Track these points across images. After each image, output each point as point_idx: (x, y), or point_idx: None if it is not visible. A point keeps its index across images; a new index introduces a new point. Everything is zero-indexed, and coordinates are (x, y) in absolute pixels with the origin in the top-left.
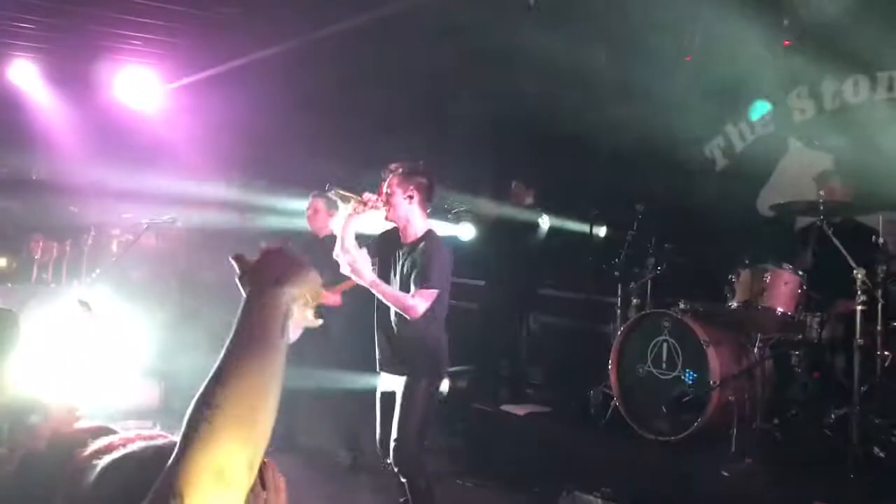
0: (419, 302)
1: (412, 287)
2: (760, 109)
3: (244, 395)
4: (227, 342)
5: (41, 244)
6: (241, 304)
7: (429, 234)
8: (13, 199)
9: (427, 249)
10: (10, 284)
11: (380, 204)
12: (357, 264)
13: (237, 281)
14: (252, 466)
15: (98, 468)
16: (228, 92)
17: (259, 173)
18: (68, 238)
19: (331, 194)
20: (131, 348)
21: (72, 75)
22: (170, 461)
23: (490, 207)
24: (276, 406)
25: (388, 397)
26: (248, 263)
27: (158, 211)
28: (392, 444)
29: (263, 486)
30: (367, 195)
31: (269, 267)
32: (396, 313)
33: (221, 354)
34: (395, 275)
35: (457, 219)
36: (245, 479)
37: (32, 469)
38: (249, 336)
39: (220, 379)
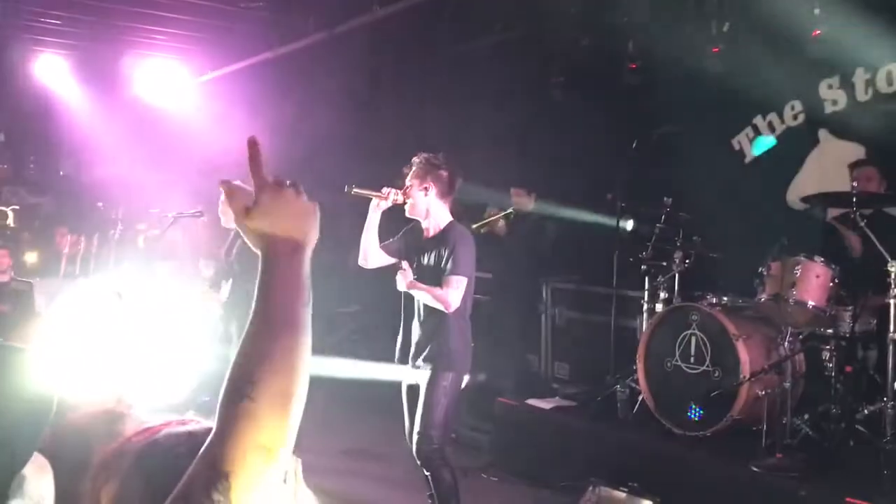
0: (451, 292)
1: (441, 279)
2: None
3: (282, 371)
4: (251, 318)
5: (68, 238)
6: (259, 274)
7: (452, 226)
8: (42, 196)
9: (452, 240)
10: (38, 278)
11: (400, 197)
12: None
13: (235, 223)
14: (289, 444)
15: (129, 458)
16: (254, 85)
17: (283, 166)
18: (95, 232)
19: (352, 193)
20: (158, 341)
21: (98, 70)
22: (208, 441)
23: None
24: (307, 383)
25: (414, 390)
26: (246, 203)
27: (185, 205)
28: (415, 438)
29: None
30: (385, 189)
31: (284, 224)
32: (423, 308)
33: (249, 330)
34: (417, 270)
35: None
36: (284, 455)
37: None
38: (277, 313)
39: (256, 355)
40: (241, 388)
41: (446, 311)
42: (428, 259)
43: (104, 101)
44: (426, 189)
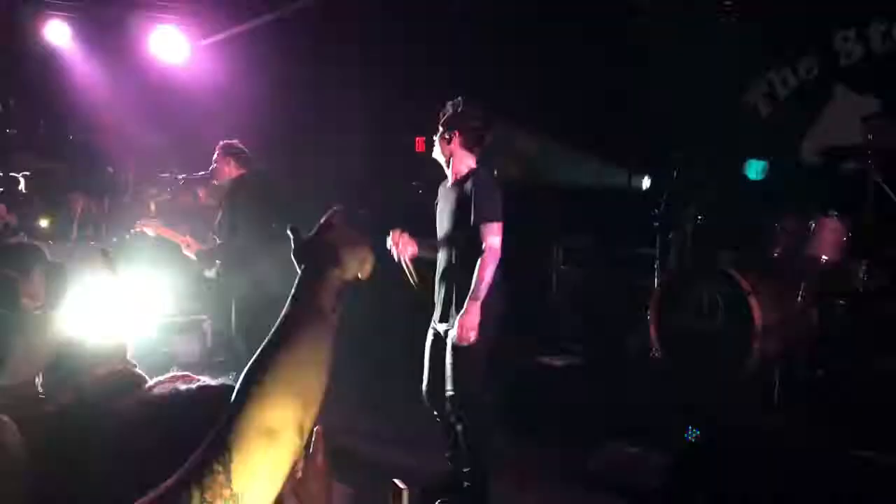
0: (489, 238)
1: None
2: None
3: (297, 363)
4: (283, 312)
5: (80, 203)
6: (298, 278)
7: (475, 172)
8: (52, 161)
9: (471, 187)
10: (51, 242)
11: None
12: None
13: (292, 256)
14: (302, 430)
15: (132, 416)
16: (262, 47)
17: (293, 126)
18: (106, 197)
19: None
20: (173, 302)
21: (104, 33)
22: (224, 417)
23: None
24: (328, 375)
25: (436, 343)
26: (304, 238)
27: (194, 167)
28: (447, 395)
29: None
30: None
31: (328, 245)
32: (449, 260)
33: (278, 322)
34: (441, 217)
35: None
36: (295, 441)
37: (71, 424)
38: (304, 310)
39: (275, 345)
40: (256, 371)
41: (497, 256)
42: (449, 206)
43: (111, 65)
44: (448, 138)
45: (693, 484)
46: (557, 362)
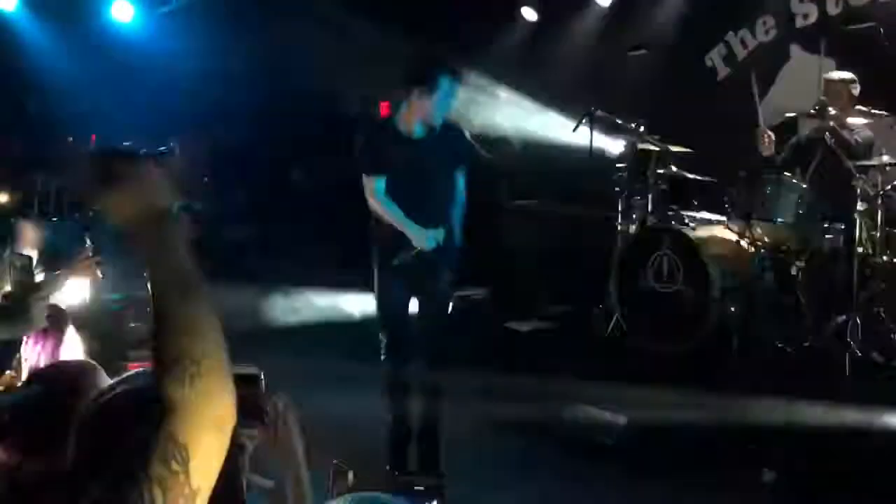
0: None
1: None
2: None
3: (210, 339)
4: (161, 299)
5: (40, 180)
6: (146, 262)
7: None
8: (8, 133)
9: (464, 134)
10: (12, 220)
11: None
12: None
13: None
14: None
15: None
16: (222, 17)
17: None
18: (66, 169)
19: None
20: (137, 283)
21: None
22: (165, 416)
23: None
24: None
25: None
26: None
27: (156, 139)
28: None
29: (263, 421)
30: None
31: (132, 209)
32: (446, 210)
33: (164, 308)
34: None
35: None
36: (231, 426)
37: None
38: (175, 279)
39: (185, 331)
40: (186, 368)
41: None
42: (435, 157)
43: (66, 34)
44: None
45: (651, 442)
46: (523, 328)
